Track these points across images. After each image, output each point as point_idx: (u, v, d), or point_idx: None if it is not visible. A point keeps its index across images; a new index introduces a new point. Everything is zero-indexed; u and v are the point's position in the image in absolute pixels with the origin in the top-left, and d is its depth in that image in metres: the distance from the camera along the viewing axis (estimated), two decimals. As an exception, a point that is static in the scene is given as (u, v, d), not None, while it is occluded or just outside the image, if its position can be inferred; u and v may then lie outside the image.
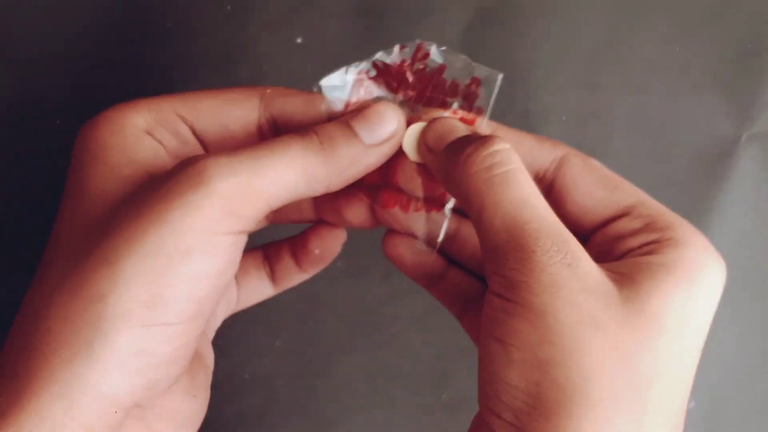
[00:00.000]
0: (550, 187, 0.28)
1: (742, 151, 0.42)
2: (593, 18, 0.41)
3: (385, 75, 0.29)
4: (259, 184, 0.24)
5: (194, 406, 0.27)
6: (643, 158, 0.42)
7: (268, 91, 0.28)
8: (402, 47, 0.29)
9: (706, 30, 0.42)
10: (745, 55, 0.42)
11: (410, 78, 0.29)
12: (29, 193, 0.39)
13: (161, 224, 0.22)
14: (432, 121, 0.28)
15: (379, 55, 0.29)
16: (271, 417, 0.41)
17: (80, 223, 0.24)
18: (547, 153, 0.28)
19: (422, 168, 0.28)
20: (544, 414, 0.21)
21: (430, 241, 0.29)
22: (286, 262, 0.32)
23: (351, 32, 0.40)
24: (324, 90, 0.28)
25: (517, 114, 0.41)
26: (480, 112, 0.28)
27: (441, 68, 0.29)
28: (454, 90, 0.29)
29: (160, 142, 0.27)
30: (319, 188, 0.26)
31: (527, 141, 0.28)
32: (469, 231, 0.30)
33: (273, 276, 0.32)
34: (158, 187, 0.23)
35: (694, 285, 0.23)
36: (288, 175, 0.25)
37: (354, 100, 0.28)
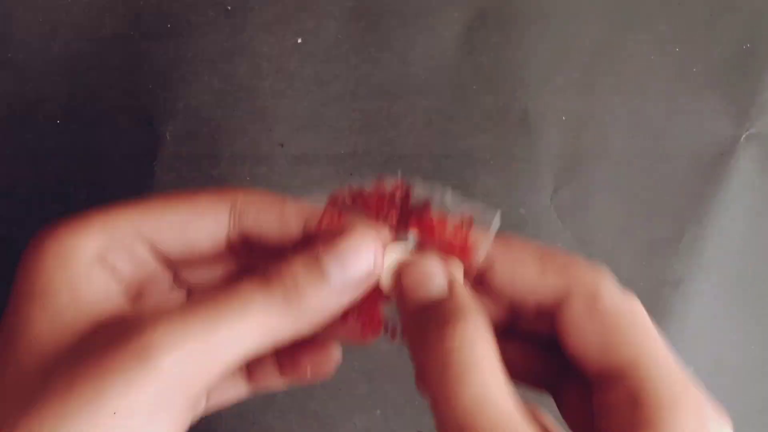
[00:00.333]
0: (552, 320, 0.25)
1: (741, 152, 0.42)
2: (592, 19, 0.41)
3: (361, 203, 0.26)
4: (213, 352, 0.22)
5: None
6: (642, 158, 0.42)
7: (240, 198, 0.25)
8: (381, 178, 0.26)
9: (704, 31, 0.42)
10: (743, 56, 0.42)
11: (390, 210, 0.26)
12: (29, 193, 0.39)
13: (98, 404, 0.20)
14: (406, 267, 0.25)
15: (358, 184, 0.26)
16: (270, 417, 0.41)
17: (12, 371, 0.22)
18: (551, 284, 0.25)
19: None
20: None
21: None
22: (268, 367, 0.28)
23: (351, 32, 0.40)
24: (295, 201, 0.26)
25: (516, 115, 0.41)
26: (471, 249, 0.25)
27: (426, 203, 0.26)
28: (442, 227, 0.26)
29: (114, 272, 0.24)
30: (286, 340, 0.23)
31: (529, 269, 0.25)
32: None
33: (250, 377, 0.29)
34: (100, 355, 0.21)
35: None
36: (248, 337, 0.22)
37: (330, 217, 0.26)
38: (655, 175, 0.42)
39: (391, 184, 0.26)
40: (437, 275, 0.24)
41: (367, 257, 0.24)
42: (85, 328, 0.22)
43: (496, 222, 0.25)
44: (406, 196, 0.26)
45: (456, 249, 0.26)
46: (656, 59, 0.42)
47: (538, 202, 0.42)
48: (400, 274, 0.25)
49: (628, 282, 0.42)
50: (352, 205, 0.26)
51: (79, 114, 0.39)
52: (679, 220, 0.42)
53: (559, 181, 0.42)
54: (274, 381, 0.29)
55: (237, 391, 0.29)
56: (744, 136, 0.42)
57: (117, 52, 0.39)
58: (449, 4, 0.40)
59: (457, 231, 0.25)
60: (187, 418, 0.23)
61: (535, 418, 0.22)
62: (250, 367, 0.29)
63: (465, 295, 0.24)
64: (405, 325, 0.24)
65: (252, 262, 0.27)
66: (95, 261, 0.24)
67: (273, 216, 0.25)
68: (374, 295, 0.25)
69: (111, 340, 0.21)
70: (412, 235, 0.26)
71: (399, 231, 0.26)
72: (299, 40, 0.40)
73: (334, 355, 0.28)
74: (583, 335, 0.24)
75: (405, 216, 0.26)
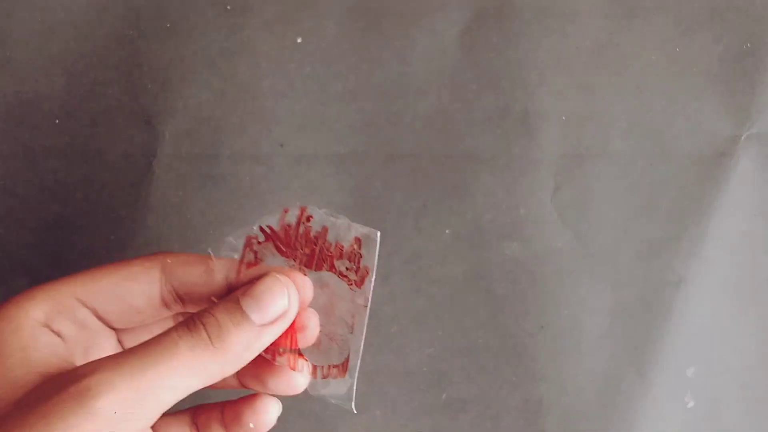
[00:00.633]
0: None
1: (741, 152, 0.42)
2: (592, 18, 0.41)
3: (273, 239, 0.29)
4: (145, 391, 0.24)
5: None
6: (642, 158, 0.42)
7: (169, 261, 0.28)
8: (286, 210, 0.29)
9: (705, 30, 0.42)
10: (744, 56, 0.42)
11: (297, 242, 0.29)
12: (29, 193, 0.39)
13: None
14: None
15: (266, 219, 0.29)
16: (271, 417, 0.41)
17: None
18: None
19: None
20: None
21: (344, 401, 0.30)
22: (215, 423, 0.31)
23: (351, 32, 0.40)
24: (215, 256, 0.28)
25: (516, 115, 0.41)
26: (367, 271, 0.28)
27: (324, 231, 0.29)
28: (339, 252, 0.29)
29: (59, 334, 0.27)
30: (216, 380, 0.26)
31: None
32: None
33: None
34: (44, 403, 0.23)
35: None
36: (177, 376, 0.25)
37: (246, 261, 0.29)
38: (655, 175, 0.42)
39: (294, 215, 0.29)
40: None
41: (280, 298, 0.27)
42: (35, 381, 0.25)
43: (378, 242, 0.28)
44: (308, 219, 0.29)
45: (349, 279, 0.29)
46: (656, 59, 0.42)
47: (538, 202, 0.42)
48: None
49: (628, 282, 0.42)
50: (266, 242, 0.29)
51: (78, 113, 0.39)
52: (679, 220, 0.42)
53: (559, 181, 0.42)
54: None
55: None
56: (744, 136, 0.42)
57: (116, 51, 0.39)
58: (449, 4, 0.40)
59: (351, 255, 0.28)
60: None
61: None
62: (198, 424, 0.31)
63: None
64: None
65: (186, 315, 0.30)
66: (41, 326, 0.27)
67: (198, 272, 0.28)
68: (294, 331, 0.28)
69: (54, 388, 0.24)
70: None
71: (308, 258, 0.29)
72: (299, 40, 0.40)
73: (273, 408, 0.30)
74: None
75: (309, 242, 0.29)
